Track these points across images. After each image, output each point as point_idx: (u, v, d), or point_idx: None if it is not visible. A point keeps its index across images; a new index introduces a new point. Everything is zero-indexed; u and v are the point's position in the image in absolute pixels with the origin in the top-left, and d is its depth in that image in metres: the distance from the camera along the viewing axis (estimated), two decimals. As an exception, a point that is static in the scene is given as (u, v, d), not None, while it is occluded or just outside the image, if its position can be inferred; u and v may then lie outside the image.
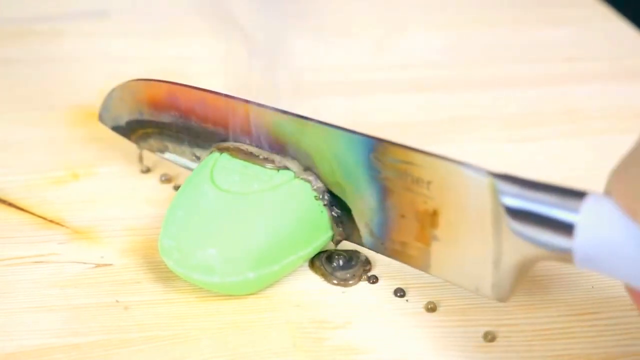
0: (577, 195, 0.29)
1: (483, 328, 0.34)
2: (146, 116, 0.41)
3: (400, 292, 0.36)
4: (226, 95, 0.38)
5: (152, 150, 0.42)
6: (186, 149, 0.40)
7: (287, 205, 0.35)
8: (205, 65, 0.57)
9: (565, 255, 0.29)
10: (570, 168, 0.46)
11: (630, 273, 0.28)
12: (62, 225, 0.40)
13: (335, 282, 0.36)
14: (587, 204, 0.28)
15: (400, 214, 0.34)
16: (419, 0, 0.68)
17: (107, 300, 0.36)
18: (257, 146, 0.37)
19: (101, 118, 0.44)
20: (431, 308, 0.35)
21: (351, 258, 0.37)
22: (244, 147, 0.37)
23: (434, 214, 0.33)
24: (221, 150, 0.38)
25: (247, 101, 0.37)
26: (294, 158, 0.36)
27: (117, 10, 0.66)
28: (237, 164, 0.37)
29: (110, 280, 0.37)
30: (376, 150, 0.34)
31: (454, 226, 0.32)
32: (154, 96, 0.40)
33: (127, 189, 0.43)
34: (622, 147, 0.47)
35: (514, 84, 0.55)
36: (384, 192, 0.34)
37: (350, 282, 0.36)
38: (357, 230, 0.36)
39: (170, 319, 0.35)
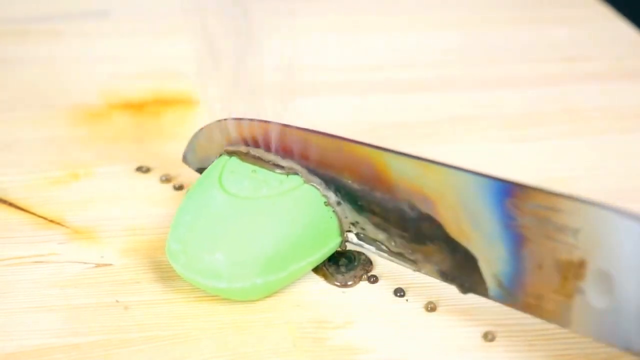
0: None
1: (483, 328, 0.34)
2: None
3: (400, 292, 0.36)
4: (339, 137, 0.36)
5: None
6: None
7: (296, 211, 0.35)
8: (204, 65, 0.57)
9: None
10: (570, 168, 0.45)
11: None
12: (62, 225, 0.40)
13: (337, 284, 0.36)
14: None
15: (538, 265, 0.31)
16: (419, 1, 0.68)
17: (107, 300, 0.36)
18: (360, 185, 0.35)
19: (185, 159, 0.41)
20: (431, 308, 0.35)
21: (353, 259, 0.37)
22: (254, 151, 0.37)
23: (580, 264, 0.30)
24: (230, 153, 0.37)
25: (360, 143, 0.35)
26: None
27: (117, 10, 0.66)
28: (247, 168, 0.37)
29: (110, 280, 0.37)
30: (514, 195, 0.31)
31: (606, 278, 0.29)
32: (252, 137, 0.37)
33: (127, 189, 0.43)
34: (622, 147, 0.48)
35: (514, 84, 0.55)
36: (519, 241, 0.31)
37: (350, 282, 0.36)
38: (483, 281, 0.33)
39: (170, 319, 0.35)
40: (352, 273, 0.37)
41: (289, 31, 0.64)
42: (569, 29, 0.63)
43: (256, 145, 0.37)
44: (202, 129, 0.39)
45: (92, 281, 0.37)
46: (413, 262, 0.35)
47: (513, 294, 0.32)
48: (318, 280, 0.37)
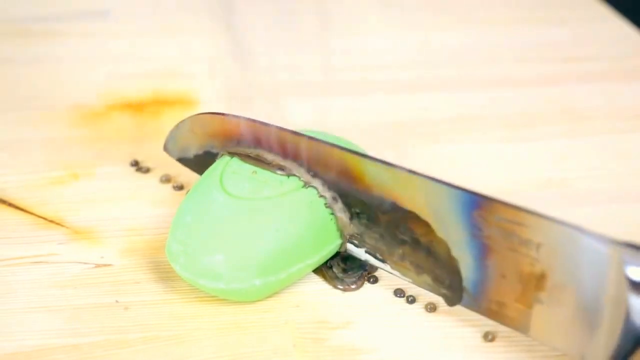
0: None
1: (483, 328, 0.34)
2: (216, 151, 0.39)
3: (400, 293, 0.36)
4: (310, 138, 0.36)
5: None
6: None
7: (296, 212, 0.35)
8: (204, 65, 0.57)
9: None
10: (570, 168, 0.45)
11: None
12: (62, 226, 0.40)
13: (340, 287, 0.36)
14: None
15: (501, 274, 0.32)
16: (419, 1, 0.68)
17: (107, 301, 0.36)
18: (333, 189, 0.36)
19: (166, 148, 0.42)
20: (431, 308, 0.35)
21: (354, 260, 0.37)
22: (255, 152, 0.37)
23: (541, 277, 0.31)
24: (231, 154, 0.37)
25: (333, 145, 0.36)
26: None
27: (117, 10, 0.66)
28: (248, 169, 0.37)
29: (110, 281, 0.37)
30: (480, 207, 0.32)
31: (564, 291, 0.30)
32: (229, 131, 0.38)
33: (127, 189, 0.43)
34: (622, 147, 0.48)
35: (514, 84, 0.55)
36: (484, 250, 0.32)
37: (353, 286, 0.36)
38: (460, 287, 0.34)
39: (170, 319, 0.35)
40: (354, 276, 0.37)
41: (289, 31, 0.64)
42: (569, 29, 0.63)
43: (232, 139, 0.38)
44: (183, 120, 0.40)
45: (92, 281, 0.37)
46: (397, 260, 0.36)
47: (477, 299, 0.33)
48: (318, 281, 0.37)
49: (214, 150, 0.39)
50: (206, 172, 0.38)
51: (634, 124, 0.50)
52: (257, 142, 0.37)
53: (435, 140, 0.48)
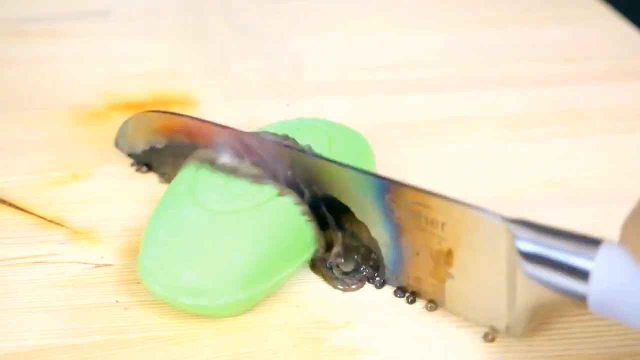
0: (593, 242, 0.30)
1: (483, 328, 0.34)
2: (160, 146, 0.42)
3: (400, 293, 0.36)
4: (242, 132, 0.38)
5: (167, 181, 0.42)
6: None
7: (274, 221, 0.35)
8: (204, 65, 0.57)
9: (579, 301, 0.30)
10: (571, 168, 0.45)
11: None
12: (62, 226, 0.40)
13: (340, 287, 0.36)
14: (602, 252, 0.29)
15: (415, 252, 0.35)
16: (419, 0, 0.68)
17: (107, 301, 0.36)
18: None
19: (117, 144, 0.45)
20: (431, 308, 0.35)
21: (354, 260, 0.37)
22: (223, 159, 0.37)
23: (449, 253, 0.34)
24: (198, 163, 0.37)
25: (262, 138, 0.38)
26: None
27: (117, 10, 0.66)
28: (218, 179, 0.36)
29: (110, 281, 0.37)
30: (391, 191, 0.34)
31: (469, 266, 0.33)
32: (169, 128, 0.41)
33: (126, 189, 0.43)
34: (622, 147, 0.48)
35: (514, 84, 0.55)
36: (398, 231, 0.35)
37: (354, 287, 0.36)
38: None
39: (170, 319, 0.35)
40: (355, 278, 0.37)
41: (289, 31, 0.64)
42: (569, 29, 0.63)
43: (175, 135, 0.41)
44: (130, 118, 0.44)
45: (92, 281, 0.37)
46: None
47: (397, 276, 0.36)
48: (318, 281, 0.37)
49: (159, 146, 0.42)
50: (172, 184, 0.37)
51: (634, 124, 0.50)
52: (200, 140, 0.39)
53: (435, 140, 0.48)
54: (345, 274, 0.37)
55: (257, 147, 0.37)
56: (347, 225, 0.36)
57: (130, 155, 0.44)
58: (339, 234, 0.37)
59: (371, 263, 0.36)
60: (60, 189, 0.43)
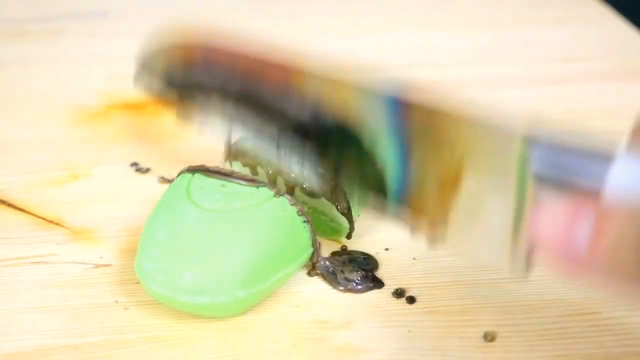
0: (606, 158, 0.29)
1: (483, 328, 0.34)
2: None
3: (400, 293, 0.36)
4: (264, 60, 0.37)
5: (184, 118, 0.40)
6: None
7: (272, 221, 0.35)
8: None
9: None
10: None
11: None
12: (61, 226, 0.40)
13: (341, 287, 0.36)
14: (616, 166, 0.28)
15: (422, 179, 0.33)
16: (419, 1, 0.68)
17: (106, 301, 0.35)
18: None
19: (138, 80, 0.41)
20: (431, 308, 0.35)
21: (356, 260, 0.37)
22: (217, 167, 0.37)
23: (456, 178, 0.32)
24: (193, 170, 0.37)
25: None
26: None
27: (117, 10, 0.66)
28: (214, 182, 0.36)
29: (109, 281, 0.37)
30: (402, 110, 0.33)
31: (476, 194, 0.31)
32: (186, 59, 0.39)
33: (126, 189, 0.43)
34: (621, 147, 0.47)
35: (514, 84, 0.55)
36: (407, 153, 0.33)
37: (360, 287, 0.36)
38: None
39: (170, 319, 0.35)
40: (360, 283, 0.37)
41: (291, 30, 0.64)
42: (569, 29, 0.63)
43: (190, 66, 0.38)
44: (147, 49, 0.41)
45: (91, 281, 0.37)
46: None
47: (401, 204, 0.34)
48: (318, 281, 0.37)
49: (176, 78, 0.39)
50: (168, 191, 0.37)
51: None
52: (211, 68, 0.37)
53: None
54: (348, 280, 0.37)
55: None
56: (352, 149, 0.34)
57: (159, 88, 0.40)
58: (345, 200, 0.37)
59: (374, 190, 0.35)
60: (59, 189, 0.43)
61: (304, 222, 0.36)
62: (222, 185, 0.36)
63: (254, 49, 0.37)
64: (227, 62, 0.37)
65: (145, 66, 0.41)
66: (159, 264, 0.34)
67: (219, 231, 0.34)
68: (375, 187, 0.34)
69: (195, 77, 0.38)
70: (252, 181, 0.36)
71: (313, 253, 0.36)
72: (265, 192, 0.35)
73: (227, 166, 0.40)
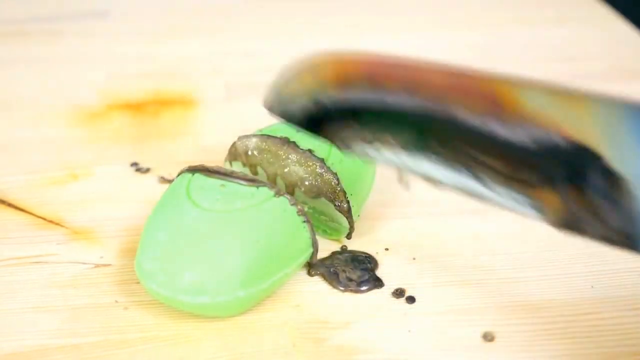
0: None
1: (483, 328, 0.34)
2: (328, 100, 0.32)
3: (400, 293, 0.36)
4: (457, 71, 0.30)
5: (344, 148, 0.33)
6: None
7: (272, 221, 0.35)
8: (205, 65, 0.57)
9: None
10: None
11: None
12: (61, 226, 0.40)
13: (341, 287, 0.36)
14: None
15: None
16: (418, 1, 0.68)
17: (106, 301, 0.35)
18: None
19: (270, 108, 0.34)
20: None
21: (357, 260, 0.37)
22: (217, 167, 0.37)
23: None
24: (193, 170, 0.37)
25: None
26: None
27: (117, 10, 0.66)
28: (214, 182, 0.36)
29: (109, 281, 0.37)
30: None
31: None
32: (350, 75, 0.32)
33: (126, 189, 0.43)
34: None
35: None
36: None
37: (364, 288, 0.36)
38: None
39: (170, 319, 0.35)
40: (363, 284, 0.37)
41: (288, 30, 0.64)
42: (569, 29, 0.63)
43: (358, 83, 0.31)
44: (287, 70, 0.33)
45: (91, 281, 0.37)
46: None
47: None
48: (318, 281, 0.37)
49: (325, 100, 0.31)
50: (168, 190, 0.37)
51: (634, 124, 0.50)
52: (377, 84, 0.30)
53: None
54: (349, 280, 0.37)
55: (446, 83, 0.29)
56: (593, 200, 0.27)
57: (284, 115, 0.34)
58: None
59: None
60: (59, 189, 0.43)
61: (304, 222, 0.35)
62: (222, 185, 0.36)
63: (428, 63, 0.30)
64: (404, 78, 0.30)
65: (284, 88, 0.33)
66: (159, 263, 0.34)
67: (219, 231, 0.34)
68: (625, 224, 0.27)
69: (356, 97, 0.31)
70: (252, 181, 0.36)
71: (313, 253, 0.36)
72: (265, 192, 0.35)
73: (227, 166, 0.40)
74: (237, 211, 0.35)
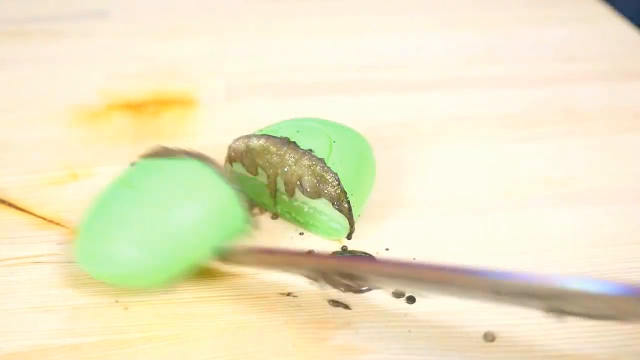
0: None
1: (483, 328, 0.34)
2: None
3: (400, 293, 0.36)
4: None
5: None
6: None
7: (192, 191, 0.35)
8: (205, 65, 0.57)
9: None
10: (570, 168, 0.45)
11: None
12: (61, 226, 0.40)
13: (342, 288, 0.36)
14: None
15: None
16: (419, 1, 0.68)
17: (106, 301, 0.35)
18: None
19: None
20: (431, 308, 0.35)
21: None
22: (166, 147, 0.37)
23: None
24: (144, 156, 0.38)
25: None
26: None
27: (117, 10, 0.66)
28: (156, 164, 0.37)
29: (109, 281, 0.37)
30: None
31: None
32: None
33: (126, 189, 0.43)
34: (622, 147, 0.48)
35: (514, 84, 0.55)
36: None
37: (364, 288, 0.36)
38: None
39: (170, 319, 0.35)
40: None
41: (289, 31, 0.64)
42: (569, 29, 0.63)
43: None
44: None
45: (91, 281, 0.37)
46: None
47: None
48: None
49: None
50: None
51: (634, 124, 0.50)
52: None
53: (435, 139, 0.48)
54: (349, 287, 0.37)
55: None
56: None
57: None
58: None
59: None
60: (60, 188, 0.43)
61: (236, 192, 0.36)
62: (162, 165, 0.36)
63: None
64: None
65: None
66: (83, 240, 0.35)
67: (145, 207, 0.35)
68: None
69: None
70: (191, 154, 0.36)
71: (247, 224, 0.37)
72: (196, 165, 0.36)
73: (227, 167, 0.40)
74: (163, 186, 0.35)
